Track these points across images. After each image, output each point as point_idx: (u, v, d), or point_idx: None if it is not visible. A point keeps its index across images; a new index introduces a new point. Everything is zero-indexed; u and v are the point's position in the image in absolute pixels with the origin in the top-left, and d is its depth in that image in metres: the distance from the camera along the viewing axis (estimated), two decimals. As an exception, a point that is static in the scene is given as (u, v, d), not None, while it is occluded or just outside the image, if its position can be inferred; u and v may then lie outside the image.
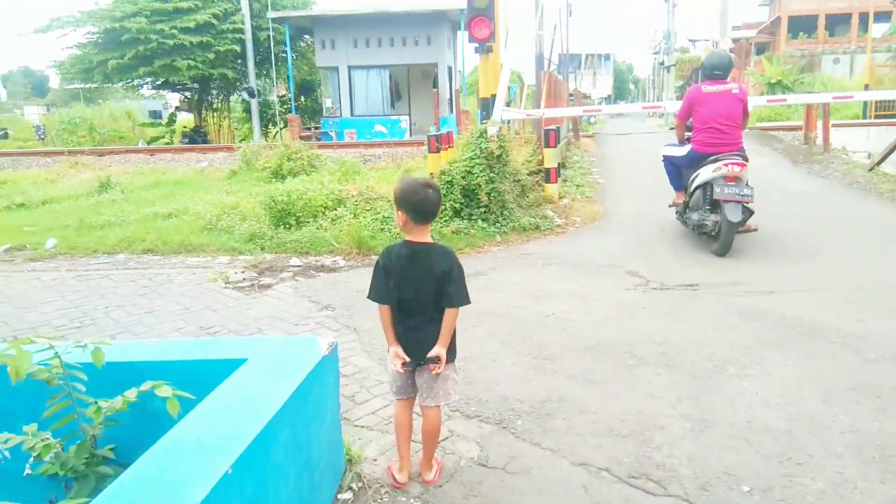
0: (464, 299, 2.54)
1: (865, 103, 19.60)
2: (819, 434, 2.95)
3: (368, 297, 2.61)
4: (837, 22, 39.23)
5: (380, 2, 21.39)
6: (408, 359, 2.57)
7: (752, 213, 6.14)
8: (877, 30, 27.14)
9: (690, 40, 50.11)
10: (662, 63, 43.11)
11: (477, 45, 8.24)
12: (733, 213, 5.89)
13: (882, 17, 30.60)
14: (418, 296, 2.53)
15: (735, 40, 31.38)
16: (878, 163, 10.84)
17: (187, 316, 5.01)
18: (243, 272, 6.20)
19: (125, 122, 28.25)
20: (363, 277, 5.87)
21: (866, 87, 20.67)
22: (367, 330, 4.49)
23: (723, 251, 6.04)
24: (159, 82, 23.78)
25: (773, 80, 25.71)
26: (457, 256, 2.59)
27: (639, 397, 3.36)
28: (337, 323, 4.75)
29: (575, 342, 4.12)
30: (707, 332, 4.20)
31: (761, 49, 41.35)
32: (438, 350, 2.53)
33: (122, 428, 2.21)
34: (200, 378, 2.37)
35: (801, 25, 39.29)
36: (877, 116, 19.39)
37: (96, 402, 2.07)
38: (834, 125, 14.16)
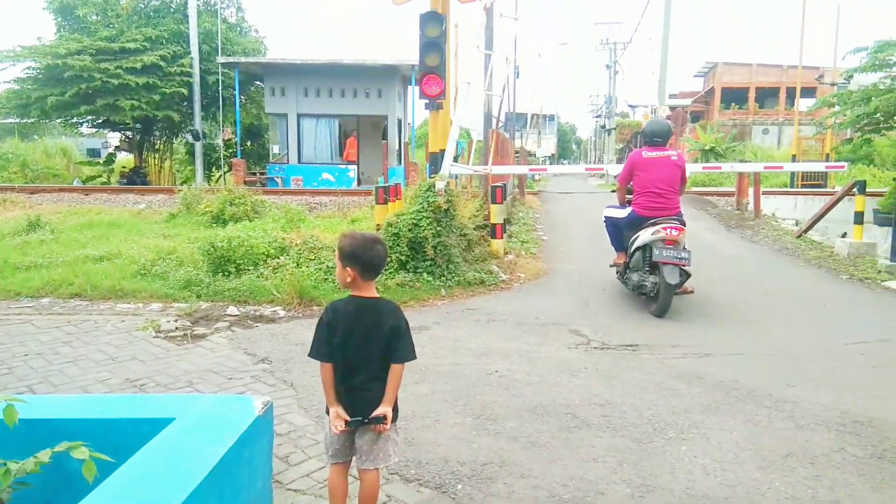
0: (411, 355, 2.49)
1: (793, 173, 20.78)
2: (757, 502, 2.96)
3: (310, 355, 2.51)
4: (767, 95, 41.87)
5: (332, 53, 21.65)
6: (349, 419, 2.47)
7: (688, 275, 6.32)
8: (803, 104, 29.02)
9: (630, 105, 52.52)
10: (604, 126, 44.95)
11: (428, 101, 8.38)
12: (671, 276, 6.04)
13: (808, 92, 32.87)
14: (364, 353, 2.46)
15: (672, 108, 33.08)
16: (806, 230, 11.42)
17: (113, 367, 4.74)
18: (176, 321, 5.95)
19: (60, 160, 27.30)
20: (303, 329, 5.71)
21: (794, 158, 21.98)
22: (305, 385, 4.34)
23: (661, 312, 6.16)
24: (100, 121, 23.19)
25: (706, 147, 27.08)
26: (402, 311, 2.56)
27: (581, 461, 3.32)
28: (273, 377, 4.58)
29: (518, 402, 4.08)
30: (647, 395, 4.23)
31: (696, 117, 43.62)
32: (385, 409, 2.46)
33: (34, 491, 2.03)
34: (124, 438, 2.21)
35: (733, 97, 41.76)
36: (803, 186, 20.56)
37: (5, 464, 1.89)
38: (764, 193, 14.92)
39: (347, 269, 2.49)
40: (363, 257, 2.47)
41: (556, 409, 3.97)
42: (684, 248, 6.27)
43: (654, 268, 6.27)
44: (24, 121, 24.94)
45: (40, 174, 23.91)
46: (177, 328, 5.75)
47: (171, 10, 23.37)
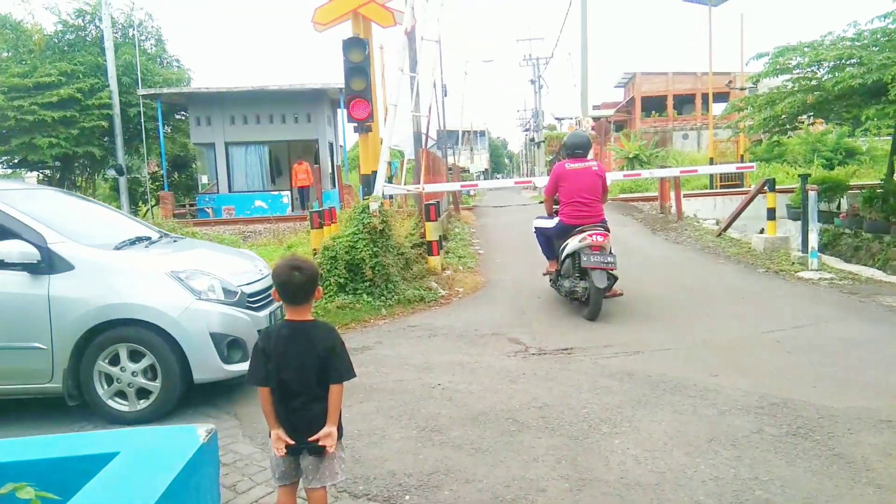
0: (348, 374, 2.55)
1: (711, 175, 21.84)
2: (684, 485, 3.18)
3: (247, 381, 2.58)
4: (684, 101, 43.81)
5: (259, 79, 21.52)
6: (291, 442, 2.51)
7: (616, 278, 6.64)
8: (717, 108, 30.57)
9: (556, 118, 54.00)
10: (533, 139, 46.03)
11: (356, 124, 8.50)
12: (599, 280, 6.33)
13: (721, 97, 34.66)
14: (300, 376, 2.51)
15: (595, 118, 34.22)
16: (725, 229, 12.06)
17: (53, 409, 4.62)
18: (112, 360, 5.82)
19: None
20: (244, 359, 5.69)
21: (711, 161, 23.09)
22: (248, 414, 4.35)
23: (593, 315, 6.44)
24: (16, 161, 22.25)
25: (631, 155, 28.15)
26: (337, 332, 2.63)
27: (522, 462, 3.47)
28: (216, 409, 4.57)
29: (461, 412, 4.21)
30: (582, 394, 4.43)
31: (619, 126, 45.24)
32: (329, 429, 2.51)
33: (-27, 540, 2.02)
34: (69, 476, 2.22)
35: (653, 105, 43.54)
36: (722, 186, 21.63)
37: (-56, 514, 1.89)
38: (685, 195, 15.67)
39: (274, 291, 2.60)
40: (276, 281, 2.55)
41: (497, 415, 4.13)
42: (610, 252, 6.58)
43: (584, 273, 6.54)
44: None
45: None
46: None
47: (87, 42, 22.72)
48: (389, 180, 9.10)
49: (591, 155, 7.21)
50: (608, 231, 6.68)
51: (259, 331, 4.34)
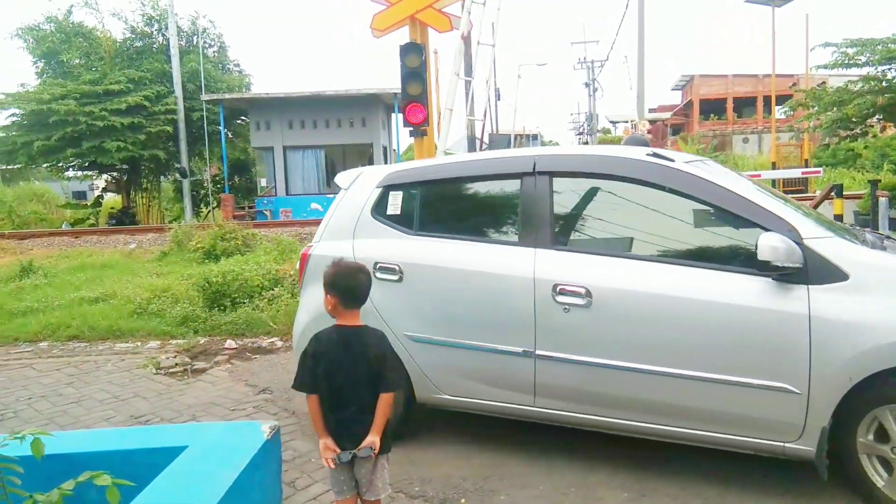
0: (399, 382, 2.53)
1: (774, 181, 21.15)
2: (748, 497, 3.07)
3: (293, 386, 2.52)
4: (744, 104, 42.55)
5: (315, 85, 21.95)
6: (339, 451, 2.46)
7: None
8: (779, 112, 29.61)
9: (611, 122, 53.17)
10: (586, 143, 45.49)
11: (412, 128, 8.57)
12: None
13: (783, 99, 33.56)
14: (351, 383, 2.46)
15: (652, 122, 33.61)
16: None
17: (117, 405, 4.81)
18: (175, 357, 6.03)
19: (39, 205, 27.34)
20: (302, 358, 5.81)
21: (773, 166, 22.38)
22: (306, 413, 4.40)
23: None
24: (87, 164, 23.30)
25: (688, 159, 27.49)
26: (387, 338, 2.59)
27: (579, 469, 3.43)
28: (275, 406, 4.67)
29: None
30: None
31: (676, 130, 44.29)
32: (373, 438, 2.45)
33: (55, 524, 2.12)
34: (140, 468, 2.31)
35: (712, 108, 42.43)
36: (785, 192, 20.89)
37: (31, 496, 1.99)
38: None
39: (328, 296, 2.54)
40: (342, 284, 2.51)
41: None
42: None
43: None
44: (11, 167, 24.99)
45: (28, 219, 23.93)
46: (177, 364, 5.83)
47: (154, 50, 23.65)
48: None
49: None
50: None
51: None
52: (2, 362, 6.14)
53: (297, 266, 4.37)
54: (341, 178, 4.28)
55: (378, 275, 3.69)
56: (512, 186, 3.69)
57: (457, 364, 3.61)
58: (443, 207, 4.05)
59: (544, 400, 3.43)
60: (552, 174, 3.54)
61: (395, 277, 3.73)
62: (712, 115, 42.16)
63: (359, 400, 2.47)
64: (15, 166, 23.81)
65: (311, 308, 3.97)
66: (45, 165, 23.76)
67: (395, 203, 3.94)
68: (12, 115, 21.68)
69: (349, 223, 4.01)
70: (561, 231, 3.55)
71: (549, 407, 3.43)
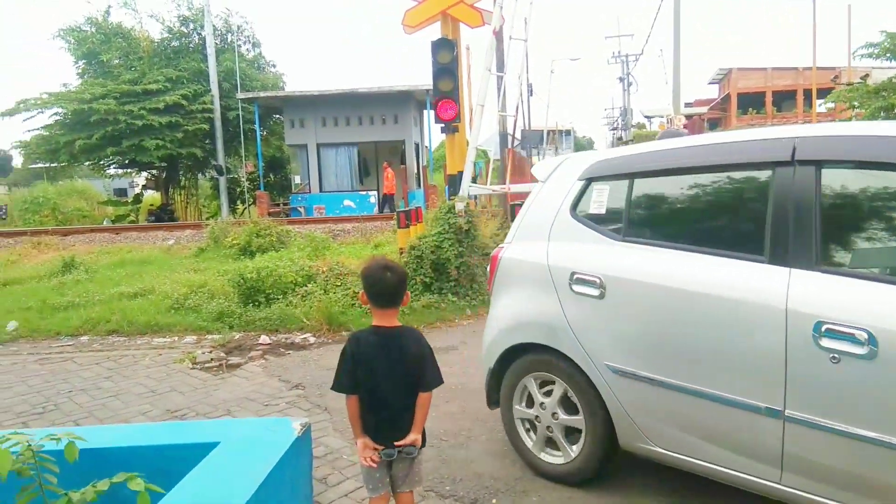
0: (437, 381, 2.50)
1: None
2: None
3: (333, 387, 2.51)
4: (784, 98, 41.54)
5: (348, 82, 22.08)
6: (380, 448, 2.46)
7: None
8: (820, 105, 28.79)
9: (646, 116, 52.45)
10: (621, 138, 44.91)
11: (443, 125, 8.55)
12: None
13: (825, 93, 32.60)
14: (390, 384, 2.45)
15: (688, 116, 32.96)
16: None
17: (153, 399, 4.90)
18: (211, 352, 6.12)
19: (80, 202, 28.05)
20: (334, 354, 5.80)
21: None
22: (338, 409, 4.45)
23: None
24: (126, 161, 23.84)
25: (726, 154, 26.92)
26: (425, 338, 2.56)
27: (614, 473, 3.37)
28: (308, 402, 4.70)
29: (547, 416, 4.13)
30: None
31: (713, 124, 43.43)
32: (414, 436, 2.46)
33: (88, 520, 2.15)
34: (172, 463, 2.32)
35: (750, 102, 41.52)
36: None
37: (67, 494, 2.02)
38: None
39: (362, 293, 2.54)
40: (367, 282, 2.49)
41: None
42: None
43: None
44: (54, 165, 25.69)
45: (71, 216, 24.59)
46: (212, 359, 5.92)
47: (191, 49, 24.05)
48: (473, 181, 9.08)
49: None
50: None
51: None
52: (44, 355, 6.30)
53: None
54: (539, 169, 3.65)
55: (575, 287, 3.11)
56: (759, 180, 2.74)
57: (671, 410, 2.82)
58: (662, 207, 3.13)
59: (798, 479, 2.49)
60: (820, 163, 2.54)
61: (596, 293, 3.02)
62: (751, 109, 41.25)
63: (398, 401, 2.47)
64: (58, 164, 24.43)
65: (501, 319, 3.52)
66: (86, 163, 24.38)
67: (599, 199, 3.22)
68: (55, 114, 22.28)
69: (545, 222, 3.38)
70: (830, 246, 2.53)
71: (807, 490, 2.48)
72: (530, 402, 3.41)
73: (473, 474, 3.42)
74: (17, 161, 52.14)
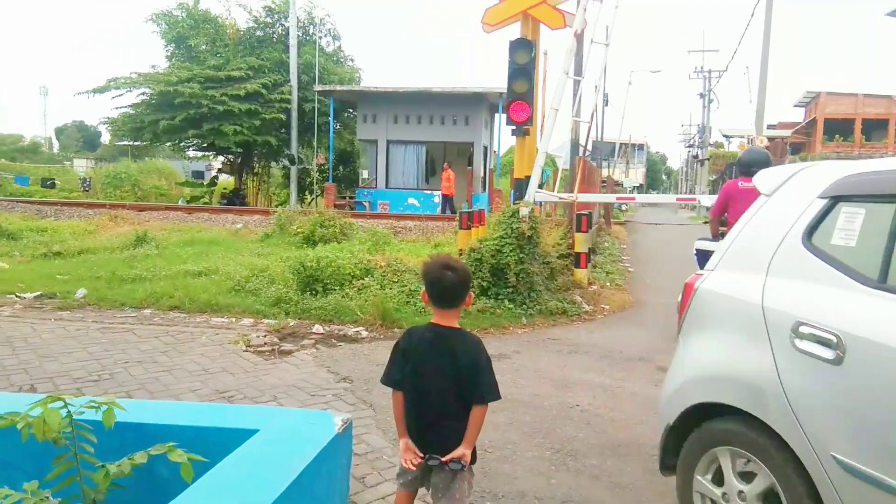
0: (493, 394, 2.32)
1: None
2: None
3: (382, 380, 2.43)
4: (874, 127, 39.45)
5: (422, 81, 22.17)
6: (421, 455, 2.33)
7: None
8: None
9: (725, 136, 50.73)
10: (696, 156, 43.58)
11: (514, 127, 8.40)
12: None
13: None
14: (438, 386, 2.33)
15: (770, 138, 31.66)
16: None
17: (205, 378, 4.94)
18: (265, 336, 6.16)
19: (160, 180, 29.22)
20: (384, 350, 5.76)
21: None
22: (384, 407, 4.36)
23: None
24: (205, 145, 24.65)
25: (808, 181, 25.71)
26: (484, 345, 2.41)
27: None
28: (354, 397, 4.63)
29: (600, 439, 3.93)
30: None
31: (796, 149, 41.62)
32: (464, 450, 2.31)
33: (123, 493, 2.12)
34: (210, 446, 2.27)
35: (837, 128, 39.60)
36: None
37: (104, 466, 1.99)
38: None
39: (424, 291, 2.44)
40: (427, 279, 2.38)
41: (640, 449, 3.80)
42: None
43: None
44: (137, 143, 26.82)
45: (149, 193, 25.62)
46: (265, 343, 5.95)
47: (274, 40, 24.67)
48: (540, 187, 8.89)
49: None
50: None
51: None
52: (107, 325, 6.48)
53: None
54: (763, 179, 2.83)
55: (799, 343, 2.26)
56: None
57: None
58: None
59: None
60: None
61: (830, 355, 2.15)
62: (837, 135, 39.32)
63: (442, 405, 2.33)
64: (141, 143, 25.49)
65: (690, 366, 2.76)
66: (168, 144, 25.35)
67: (849, 227, 2.36)
68: (142, 94, 23.24)
69: (764, 250, 2.58)
70: None
71: None
72: (719, 479, 2.58)
73: (517, 492, 3.26)
74: (105, 138, 55.00)
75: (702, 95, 39.88)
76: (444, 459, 2.31)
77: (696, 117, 45.41)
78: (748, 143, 27.40)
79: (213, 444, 2.28)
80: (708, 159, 40.25)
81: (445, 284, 2.35)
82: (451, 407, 2.33)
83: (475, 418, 2.31)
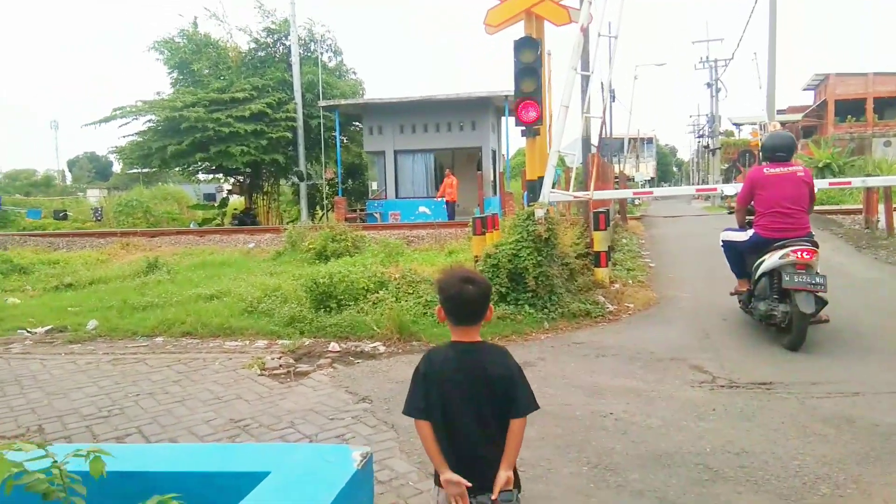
0: (531, 405, 2.14)
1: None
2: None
3: (404, 411, 2.18)
4: (886, 105, 38.79)
5: (423, 84, 22.04)
6: (469, 484, 2.08)
7: (825, 303, 5.66)
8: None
9: (735, 124, 50.11)
10: (707, 146, 43.07)
11: (524, 128, 8.17)
12: (806, 304, 5.42)
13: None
14: (471, 407, 2.12)
15: (783, 123, 31.16)
16: (953, 248, 10.14)
17: (218, 406, 4.74)
18: (280, 358, 5.94)
19: (172, 205, 29.29)
20: (403, 366, 5.53)
21: (926, 170, 19.99)
22: (406, 427, 4.12)
23: (795, 345, 5.53)
24: (214, 167, 24.63)
25: (821, 164, 25.23)
26: (512, 356, 2.21)
27: (719, 521, 2.89)
28: (374, 418, 4.41)
29: (640, 450, 3.67)
30: (790, 441, 3.70)
31: (808, 133, 41.05)
32: (506, 473, 2.08)
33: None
34: (218, 492, 2.08)
35: (849, 109, 39.01)
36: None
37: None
38: (897, 209, 13.53)
39: (439, 308, 2.22)
40: (444, 296, 2.17)
41: (684, 458, 3.54)
42: (818, 272, 5.64)
43: (784, 295, 5.66)
44: (147, 170, 26.86)
45: (161, 218, 25.63)
46: (281, 365, 5.74)
47: (276, 59, 24.64)
48: (553, 187, 8.63)
49: (793, 159, 6.24)
50: (816, 247, 5.73)
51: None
52: (119, 356, 6.32)
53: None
54: None
55: None
56: None
57: None
58: None
59: None
60: None
61: None
62: (849, 116, 38.69)
63: (481, 430, 2.12)
64: (150, 169, 25.53)
65: None
66: (177, 168, 25.35)
67: None
68: (148, 121, 23.28)
69: None
70: None
71: None
72: None
73: (555, 514, 3.01)
74: (116, 167, 55.32)
75: (709, 84, 39.46)
76: (494, 497, 2.07)
77: (704, 107, 44.91)
78: (761, 129, 26.97)
79: (222, 490, 2.08)
80: (719, 148, 39.74)
81: (466, 300, 2.13)
82: (490, 428, 2.11)
83: (514, 434, 2.10)
